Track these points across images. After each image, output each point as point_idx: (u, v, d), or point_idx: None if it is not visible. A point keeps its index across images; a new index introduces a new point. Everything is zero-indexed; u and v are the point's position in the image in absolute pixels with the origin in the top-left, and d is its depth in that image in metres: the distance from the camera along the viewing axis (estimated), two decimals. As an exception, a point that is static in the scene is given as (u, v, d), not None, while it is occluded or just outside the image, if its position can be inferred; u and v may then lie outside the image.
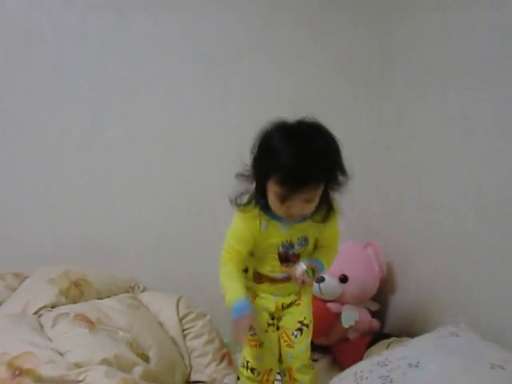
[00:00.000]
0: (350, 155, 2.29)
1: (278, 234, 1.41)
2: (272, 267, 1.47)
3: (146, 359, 1.61)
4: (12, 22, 2.01)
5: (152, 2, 2.12)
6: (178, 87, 2.17)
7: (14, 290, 1.79)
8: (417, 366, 1.30)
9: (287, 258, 1.45)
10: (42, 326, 1.56)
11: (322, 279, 1.98)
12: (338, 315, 2.06)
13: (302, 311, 1.53)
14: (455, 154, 1.80)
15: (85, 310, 1.66)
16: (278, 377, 1.59)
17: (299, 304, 1.53)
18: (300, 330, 1.51)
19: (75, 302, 1.73)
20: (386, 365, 1.37)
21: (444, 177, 1.86)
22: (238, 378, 1.63)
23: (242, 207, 1.40)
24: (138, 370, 1.51)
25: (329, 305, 2.06)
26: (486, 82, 1.64)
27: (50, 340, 1.49)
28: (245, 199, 1.41)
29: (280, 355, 1.54)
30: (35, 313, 1.64)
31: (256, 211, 1.39)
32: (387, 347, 1.69)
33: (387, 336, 1.89)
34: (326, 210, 1.40)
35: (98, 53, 2.09)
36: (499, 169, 1.58)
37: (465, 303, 1.73)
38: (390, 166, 2.26)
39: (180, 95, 2.18)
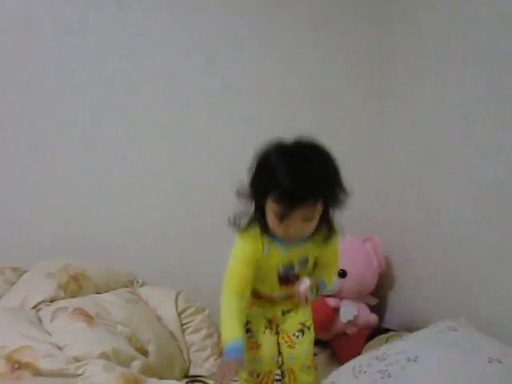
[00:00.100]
0: (350, 153, 2.32)
1: (278, 256, 1.40)
2: (271, 287, 1.46)
3: (145, 353, 1.62)
4: (11, 18, 2.00)
5: (151, -4, 2.11)
6: (178, 83, 2.17)
7: (13, 284, 1.79)
8: (415, 361, 1.30)
9: (287, 278, 1.44)
10: (40, 320, 1.57)
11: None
12: (336, 310, 2.06)
13: (303, 315, 1.52)
14: (455, 149, 1.79)
15: (83, 304, 1.66)
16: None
17: (299, 309, 1.53)
18: (301, 331, 1.50)
19: (74, 297, 1.74)
20: (385, 359, 1.37)
21: (443, 172, 1.86)
22: None
23: (243, 229, 1.38)
24: (137, 364, 1.52)
25: (327, 300, 2.07)
26: (485, 74, 1.63)
27: (49, 334, 1.50)
28: (245, 221, 1.39)
29: (280, 357, 1.52)
30: (34, 307, 1.64)
31: (257, 232, 1.38)
32: (386, 342, 1.69)
33: (386, 331, 1.89)
34: (326, 230, 1.39)
35: (97, 48, 2.08)
36: (499, 162, 1.57)
37: (463, 298, 1.73)
38: (390, 163, 2.26)
39: (180, 91, 2.17)
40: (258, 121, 2.26)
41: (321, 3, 2.28)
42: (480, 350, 1.28)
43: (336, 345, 2.01)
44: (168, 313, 1.84)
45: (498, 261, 1.57)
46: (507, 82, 1.54)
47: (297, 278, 1.43)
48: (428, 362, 1.28)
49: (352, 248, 2.10)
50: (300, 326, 1.50)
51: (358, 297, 2.12)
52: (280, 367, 1.53)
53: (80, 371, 1.36)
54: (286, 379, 1.51)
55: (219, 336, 1.86)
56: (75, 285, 1.79)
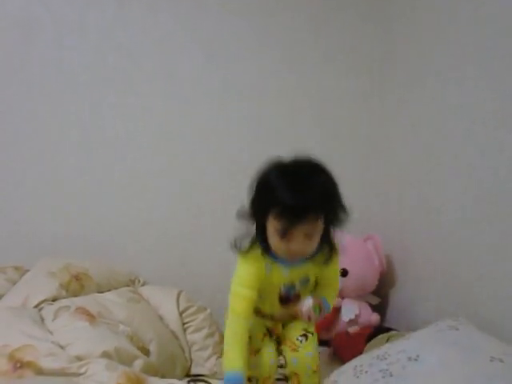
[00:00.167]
0: (350, 153, 2.33)
1: (280, 276, 1.40)
2: (272, 306, 1.46)
3: (147, 352, 1.62)
4: (11, 18, 2.00)
5: (152, -5, 2.11)
6: (178, 82, 2.17)
7: (15, 283, 1.79)
8: (416, 360, 1.30)
9: (288, 298, 1.45)
10: (42, 319, 1.57)
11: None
12: (338, 309, 2.07)
13: (305, 322, 1.48)
14: (455, 149, 1.80)
15: (85, 303, 1.66)
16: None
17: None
18: (305, 335, 1.47)
19: (76, 296, 1.74)
20: (386, 358, 1.37)
21: (443, 172, 1.86)
22: None
23: (244, 251, 1.38)
24: (139, 363, 1.52)
25: (329, 299, 2.07)
26: (485, 74, 1.64)
27: (51, 333, 1.50)
28: (246, 243, 1.39)
29: (284, 363, 1.49)
30: (36, 306, 1.64)
31: (259, 253, 1.37)
32: (387, 341, 1.69)
33: (387, 330, 1.89)
34: (327, 250, 1.40)
35: (97, 46, 2.09)
36: (499, 162, 1.58)
37: (464, 297, 1.74)
38: (390, 163, 2.27)
39: (180, 90, 2.18)
40: (258, 121, 2.27)
41: (321, 3, 2.28)
42: (481, 349, 1.29)
43: (337, 344, 2.01)
44: (169, 312, 1.84)
45: (498, 256, 1.58)
46: (507, 81, 1.54)
47: (298, 297, 1.44)
48: (429, 361, 1.28)
49: (353, 247, 2.10)
50: (303, 332, 1.48)
51: (360, 296, 2.13)
52: (285, 373, 1.49)
53: (82, 370, 1.36)
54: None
55: (220, 335, 1.87)
56: (77, 284, 1.79)
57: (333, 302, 1.50)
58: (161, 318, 1.83)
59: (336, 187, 1.34)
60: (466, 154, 1.74)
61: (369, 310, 2.13)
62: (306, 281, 1.44)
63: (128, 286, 1.97)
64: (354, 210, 2.31)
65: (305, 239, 1.30)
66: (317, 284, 1.49)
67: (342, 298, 2.09)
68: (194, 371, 1.78)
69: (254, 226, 1.37)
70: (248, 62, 2.23)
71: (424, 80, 2.00)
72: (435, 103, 1.92)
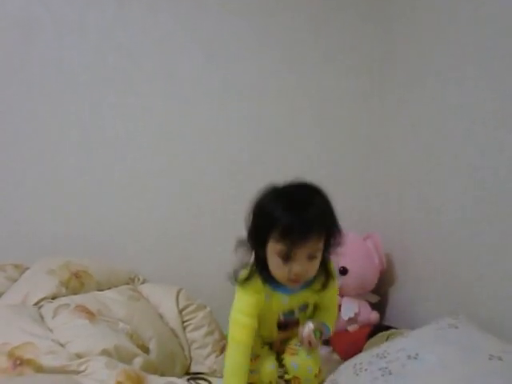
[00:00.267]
0: (350, 153, 2.33)
1: (279, 304, 1.41)
2: (270, 332, 1.47)
3: (146, 350, 1.62)
4: (11, 18, 2.00)
5: (152, -6, 2.11)
6: (178, 82, 2.17)
7: (15, 281, 1.79)
8: (415, 358, 1.31)
9: (287, 325, 1.46)
10: (42, 317, 1.57)
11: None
12: (337, 308, 2.06)
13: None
14: (455, 149, 1.80)
15: (85, 301, 1.66)
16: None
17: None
18: None
19: (76, 294, 1.74)
20: (385, 357, 1.37)
21: (443, 172, 1.87)
22: None
23: (243, 283, 1.38)
24: (139, 360, 1.52)
25: (328, 297, 2.07)
26: (485, 74, 1.64)
27: (51, 331, 1.50)
28: (244, 273, 1.39)
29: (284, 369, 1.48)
30: (35, 304, 1.64)
31: (259, 283, 1.38)
32: (386, 339, 1.70)
33: (387, 328, 1.89)
34: (324, 277, 1.41)
35: (97, 46, 2.09)
36: (499, 162, 1.58)
37: (463, 296, 1.74)
38: (390, 163, 2.27)
39: (180, 90, 2.17)
40: (258, 121, 2.27)
41: (321, 3, 2.28)
42: (480, 348, 1.29)
43: (337, 342, 2.01)
44: (169, 310, 1.84)
45: (498, 255, 1.58)
46: (507, 81, 1.54)
47: (297, 323, 1.44)
48: (428, 360, 1.29)
49: (353, 245, 2.10)
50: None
51: (359, 294, 2.13)
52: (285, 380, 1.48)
53: (82, 368, 1.36)
54: None
55: (220, 333, 1.87)
56: (77, 282, 1.79)
57: (333, 325, 1.50)
58: (160, 316, 1.83)
59: (332, 208, 1.35)
60: (466, 153, 1.74)
61: (368, 308, 2.12)
62: (304, 307, 1.45)
63: (128, 284, 1.97)
64: (354, 209, 2.33)
65: (307, 260, 1.31)
66: (316, 309, 1.50)
67: (342, 296, 2.08)
68: (193, 369, 1.78)
69: (253, 256, 1.37)
70: (248, 62, 2.23)
71: (424, 80, 2.00)
72: (435, 103, 1.92)
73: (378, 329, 1.89)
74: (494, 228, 1.60)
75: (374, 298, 2.19)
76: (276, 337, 1.49)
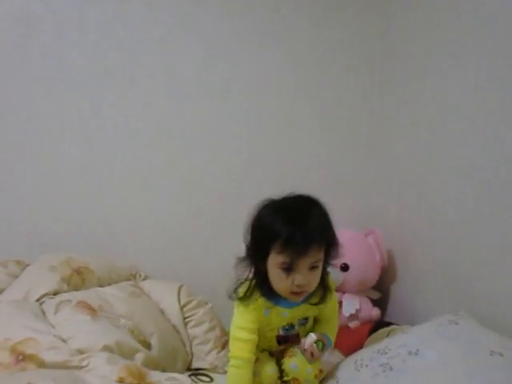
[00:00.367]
0: (350, 152, 2.34)
1: (279, 319, 1.42)
2: (269, 344, 1.47)
3: (148, 346, 1.62)
4: (12, 15, 1.99)
5: (152, -9, 2.11)
6: (178, 79, 2.17)
7: (16, 277, 1.79)
8: (416, 354, 1.31)
9: (286, 338, 1.46)
10: (44, 313, 1.57)
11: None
12: (338, 304, 2.07)
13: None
14: (455, 149, 1.81)
15: (87, 297, 1.66)
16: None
17: None
18: None
19: (77, 290, 1.74)
20: (386, 353, 1.38)
21: (445, 167, 1.87)
22: None
23: (243, 300, 1.38)
24: (140, 356, 1.52)
25: (329, 294, 2.08)
26: (485, 74, 1.66)
27: (53, 326, 1.50)
28: (243, 289, 1.40)
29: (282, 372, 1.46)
30: (37, 300, 1.64)
31: (258, 300, 1.38)
32: (387, 335, 1.70)
33: (388, 324, 1.90)
34: (322, 290, 1.41)
35: (97, 44, 2.08)
36: (499, 161, 1.59)
37: (464, 293, 1.75)
38: (390, 162, 2.28)
39: (180, 87, 2.18)
40: (258, 119, 2.27)
41: (321, 2, 2.28)
42: (481, 343, 1.29)
43: (338, 338, 2.01)
44: (170, 306, 1.84)
45: (499, 251, 1.59)
46: (507, 81, 1.55)
47: (297, 336, 1.45)
48: (429, 355, 1.29)
49: (354, 241, 2.11)
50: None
51: (360, 290, 2.14)
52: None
53: (84, 363, 1.37)
54: None
55: (221, 330, 1.87)
56: (78, 278, 1.79)
57: (334, 337, 1.51)
58: (162, 312, 1.84)
59: (330, 219, 1.36)
60: (466, 153, 1.75)
61: (369, 304, 2.13)
62: (304, 321, 1.46)
63: (129, 280, 1.97)
64: (354, 208, 2.33)
65: (309, 271, 1.31)
66: (316, 322, 1.51)
67: (343, 292, 2.09)
68: (194, 365, 1.78)
69: (252, 272, 1.38)
70: (248, 60, 2.23)
71: (424, 80, 2.01)
72: (435, 103, 1.93)
73: (379, 325, 1.90)
74: (494, 224, 1.61)
75: (375, 295, 2.20)
76: (275, 348, 1.49)
